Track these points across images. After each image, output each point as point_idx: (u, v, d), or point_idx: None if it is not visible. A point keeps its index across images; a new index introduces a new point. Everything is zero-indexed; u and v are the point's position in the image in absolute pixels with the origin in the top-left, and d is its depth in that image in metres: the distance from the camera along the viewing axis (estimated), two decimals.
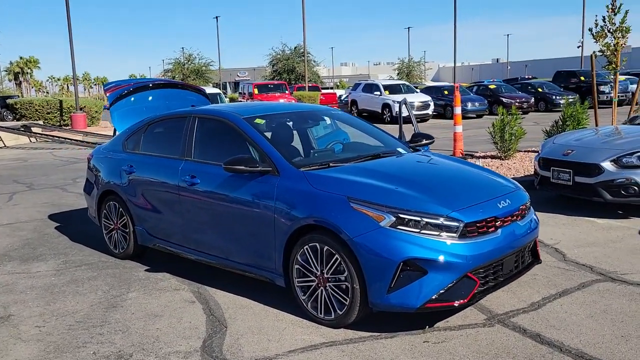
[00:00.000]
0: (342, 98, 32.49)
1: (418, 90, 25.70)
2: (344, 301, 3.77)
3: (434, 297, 3.55)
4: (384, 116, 23.27)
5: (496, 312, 4.03)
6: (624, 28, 10.25)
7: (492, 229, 3.76)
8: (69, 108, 26.14)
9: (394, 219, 3.59)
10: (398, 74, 54.98)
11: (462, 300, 3.60)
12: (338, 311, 3.82)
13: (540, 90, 27.72)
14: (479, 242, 3.66)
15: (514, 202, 4.03)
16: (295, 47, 45.36)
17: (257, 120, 4.80)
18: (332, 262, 3.80)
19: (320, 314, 3.93)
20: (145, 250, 5.71)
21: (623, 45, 10.30)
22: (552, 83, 29.39)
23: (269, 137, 4.69)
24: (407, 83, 26.86)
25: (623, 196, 6.27)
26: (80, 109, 26.07)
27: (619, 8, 10.23)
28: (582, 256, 5.19)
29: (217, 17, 61.12)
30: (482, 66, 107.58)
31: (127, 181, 5.50)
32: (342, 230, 3.69)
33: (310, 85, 35.42)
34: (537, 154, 7.64)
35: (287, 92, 24.28)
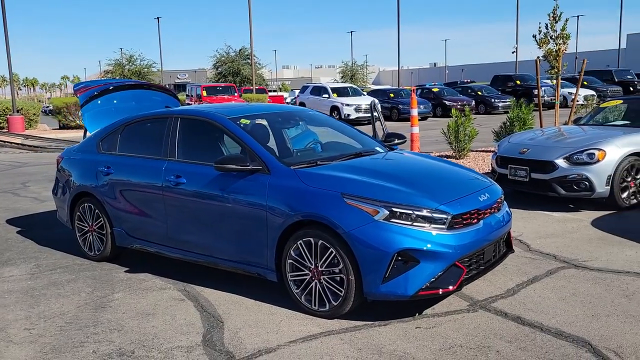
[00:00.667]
0: (288, 101, 32.66)
1: (365, 93, 26.21)
2: (339, 292, 3.95)
3: (426, 285, 3.79)
4: None
5: (477, 298, 4.31)
6: (565, 35, 10.95)
7: (475, 220, 4.05)
8: (4, 110, 25.07)
9: (388, 212, 3.81)
10: (342, 77, 55.70)
11: (451, 287, 3.86)
12: (333, 302, 3.99)
13: (480, 93, 28.85)
14: (464, 232, 3.93)
15: (492, 196, 4.33)
16: (240, 50, 45.17)
17: (242, 121, 4.91)
18: (326, 255, 3.97)
19: (315, 305, 4.09)
20: (122, 252, 5.69)
21: (564, 51, 11.00)
22: (491, 87, 30.65)
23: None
24: (354, 86, 27.34)
25: (575, 191, 6.76)
26: (17, 111, 25.06)
27: (560, 16, 10.92)
28: (544, 246, 5.59)
29: (158, 18, 60.02)
30: (421, 70, 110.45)
31: (104, 183, 5.47)
32: (337, 224, 3.87)
33: (257, 87, 35.41)
34: (493, 153, 8.08)
35: (236, 94, 24.25)
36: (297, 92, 32.92)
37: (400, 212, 3.82)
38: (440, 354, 3.48)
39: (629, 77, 35.72)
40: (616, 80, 34.47)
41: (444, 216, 3.86)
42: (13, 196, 9.74)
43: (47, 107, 45.43)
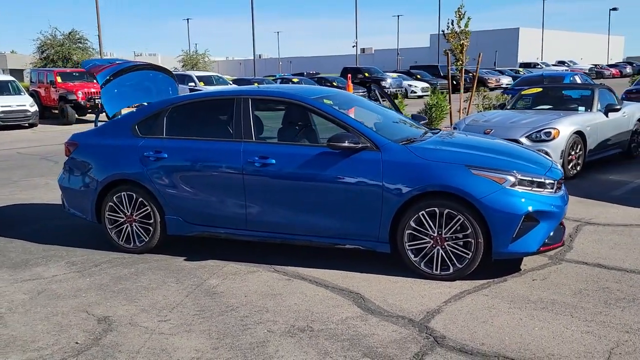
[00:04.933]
0: None
1: (231, 82, 26.05)
2: (466, 255, 4.36)
3: (544, 242, 4.39)
4: None
5: (550, 254, 5.01)
6: (467, 32, 12.35)
7: (560, 187, 4.74)
8: None
9: (513, 179, 4.32)
10: (183, 65, 53.97)
11: (559, 243, 4.52)
12: (458, 265, 4.39)
13: (334, 84, 30.31)
14: (561, 196, 4.61)
15: (558, 169, 5.06)
16: (70, 33, 41.26)
17: (326, 101, 5.01)
18: (453, 222, 4.35)
19: (436, 270, 4.45)
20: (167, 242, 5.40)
21: (467, 45, 12.39)
22: (342, 78, 32.37)
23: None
24: (219, 75, 26.99)
25: None
26: None
27: (464, 14, 12.28)
28: None
29: None
30: (247, 61, 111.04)
31: (155, 169, 5.14)
32: (468, 193, 4.27)
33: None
34: None
35: (95, 81, 22.32)
36: None
37: (522, 179, 4.36)
38: (573, 294, 4.10)
39: (451, 72, 40.28)
40: (442, 74, 38.68)
41: (551, 181, 4.50)
42: None
43: None
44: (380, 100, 6.93)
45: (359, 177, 4.56)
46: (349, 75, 9.32)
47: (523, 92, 10.08)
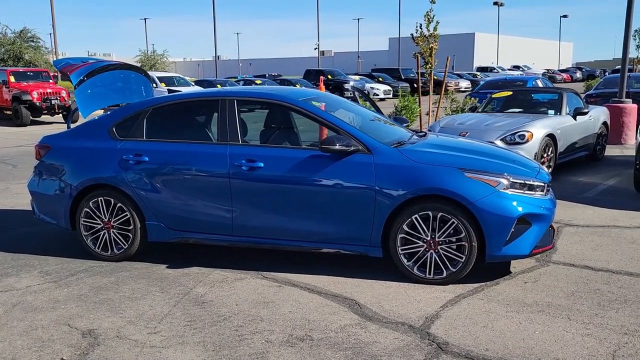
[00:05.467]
0: None
1: (193, 84, 25.60)
2: (459, 259, 4.33)
3: (536, 245, 4.39)
4: None
5: (537, 257, 5.04)
6: (436, 35, 12.43)
7: (549, 190, 4.77)
8: None
9: (506, 182, 4.32)
10: (141, 66, 52.79)
11: (549, 245, 4.55)
12: (451, 269, 4.36)
13: (298, 86, 30.24)
14: (550, 198, 4.63)
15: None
16: (21, 31, 39.85)
17: (315, 103, 4.90)
18: (446, 226, 4.32)
19: (430, 274, 4.40)
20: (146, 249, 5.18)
21: (435, 49, 12.47)
22: (305, 80, 32.32)
23: None
24: (181, 76, 26.48)
25: None
26: None
27: (433, 18, 12.35)
28: None
29: None
30: (206, 62, 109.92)
31: (135, 172, 4.93)
32: (462, 196, 4.24)
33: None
34: None
35: (51, 81, 21.57)
36: None
37: (514, 182, 4.36)
38: (567, 297, 4.12)
39: (412, 75, 40.75)
40: (403, 77, 39.12)
41: (542, 184, 4.52)
42: None
43: None
44: (359, 102, 6.88)
45: (350, 180, 4.47)
46: (322, 77, 9.21)
47: (494, 96, 10.22)
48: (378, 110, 6.39)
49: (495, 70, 52.28)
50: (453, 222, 4.30)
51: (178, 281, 4.61)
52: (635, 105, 12.32)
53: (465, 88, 38.22)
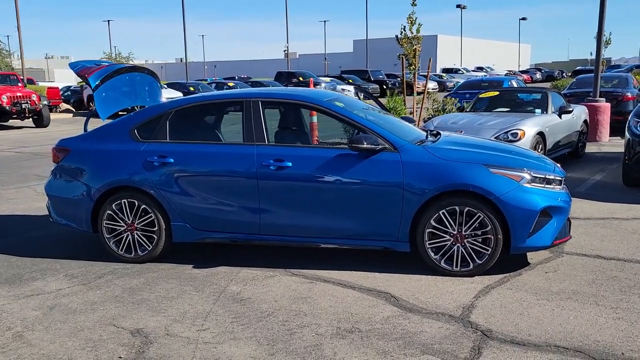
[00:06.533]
0: (65, 93, 29.59)
1: (166, 86, 25.32)
2: (485, 251, 4.52)
3: (556, 236, 4.62)
4: None
5: (553, 250, 5.27)
6: (419, 37, 12.73)
7: (564, 184, 5.02)
8: None
9: (529, 177, 4.53)
10: None
11: (568, 237, 4.78)
12: (477, 261, 4.54)
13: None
14: (566, 192, 4.88)
15: None
16: None
17: (337, 103, 5.02)
18: (472, 219, 4.50)
19: (456, 267, 4.58)
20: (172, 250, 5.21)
21: (419, 50, 12.77)
22: (276, 82, 32.38)
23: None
24: None
25: None
26: None
27: (415, 20, 12.65)
28: None
29: None
30: (169, 65, 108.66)
31: (160, 174, 4.95)
32: (489, 191, 4.43)
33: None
34: None
35: (20, 84, 20.99)
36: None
37: (535, 177, 4.58)
38: (589, 284, 4.35)
39: (380, 76, 41.27)
40: (372, 79, 39.56)
41: (559, 178, 4.76)
42: None
43: None
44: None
45: (379, 178, 4.61)
46: (311, 79, 9.32)
47: (480, 96, 10.53)
48: (386, 110, 6.56)
49: (460, 72, 53.26)
50: (479, 216, 4.48)
51: (209, 280, 4.66)
52: (609, 104, 12.88)
53: (432, 89, 38.93)
